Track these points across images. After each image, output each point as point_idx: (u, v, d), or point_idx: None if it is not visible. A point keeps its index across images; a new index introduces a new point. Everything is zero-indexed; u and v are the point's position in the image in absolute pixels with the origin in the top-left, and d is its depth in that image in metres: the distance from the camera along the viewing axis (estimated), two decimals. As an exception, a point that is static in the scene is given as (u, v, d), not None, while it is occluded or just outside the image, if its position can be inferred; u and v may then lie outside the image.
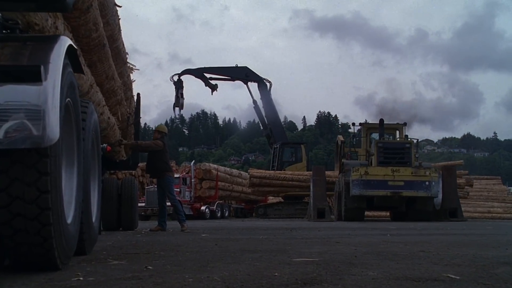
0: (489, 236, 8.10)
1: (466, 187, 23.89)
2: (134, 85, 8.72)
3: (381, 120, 18.40)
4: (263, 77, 28.45)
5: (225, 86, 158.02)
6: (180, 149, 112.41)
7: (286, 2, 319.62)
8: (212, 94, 27.93)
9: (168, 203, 10.12)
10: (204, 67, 28.11)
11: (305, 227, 11.34)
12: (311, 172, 20.51)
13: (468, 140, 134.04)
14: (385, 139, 18.25)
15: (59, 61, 3.04)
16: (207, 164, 27.26)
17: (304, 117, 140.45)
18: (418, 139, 19.16)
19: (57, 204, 3.05)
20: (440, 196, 16.84)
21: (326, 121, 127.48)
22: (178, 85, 26.28)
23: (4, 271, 3.21)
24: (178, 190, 21.05)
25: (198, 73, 27.64)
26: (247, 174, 26.97)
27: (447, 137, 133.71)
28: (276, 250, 4.91)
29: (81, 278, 2.94)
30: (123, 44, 6.96)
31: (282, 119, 45.89)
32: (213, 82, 27.80)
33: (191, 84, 61.77)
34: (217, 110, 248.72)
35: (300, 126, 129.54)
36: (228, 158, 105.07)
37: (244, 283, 2.78)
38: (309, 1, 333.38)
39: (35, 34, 3.56)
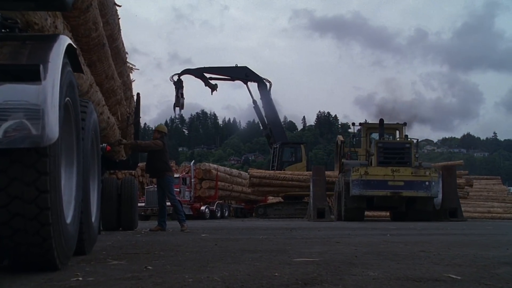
0: (489, 236, 8.09)
1: (466, 187, 23.91)
2: (134, 85, 8.74)
3: (381, 120, 18.40)
4: (263, 77, 28.51)
5: (225, 86, 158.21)
6: (180, 149, 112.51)
7: (286, 2, 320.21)
8: (212, 94, 27.99)
9: (168, 203, 10.12)
10: (204, 67, 28.12)
11: (305, 227, 11.33)
12: (311, 172, 20.51)
13: (468, 140, 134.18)
14: (385, 139, 18.24)
15: (59, 60, 3.02)
16: (207, 164, 27.27)
17: (304, 117, 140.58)
18: (418, 139, 19.18)
19: (56, 204, 3.04)
20: (440, 196, 16.85)
21: (326, 121, 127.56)
22: (178, 85, 26.29)
23: (3, 271, 3.20)
24: (178, 190, 21.07)
25: (198, 73, 27.66)
26: (247, 174, 26.97)
27: (447, 137, 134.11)
28: (276, 250, 4.90)
29: (81, 278, 2.93)
30: (123, 44, 6.95)
31: (282, 119, 45.87)
32: (213, 82, 27.81)
33: (191, 84, 61.78)
34: (217, 110, 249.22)
35: (300, 126, 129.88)
36: (228, 158, 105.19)
37: (244, 283, 2.77)
38: (309, 1, 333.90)
39: (34, 33, 3.55)
